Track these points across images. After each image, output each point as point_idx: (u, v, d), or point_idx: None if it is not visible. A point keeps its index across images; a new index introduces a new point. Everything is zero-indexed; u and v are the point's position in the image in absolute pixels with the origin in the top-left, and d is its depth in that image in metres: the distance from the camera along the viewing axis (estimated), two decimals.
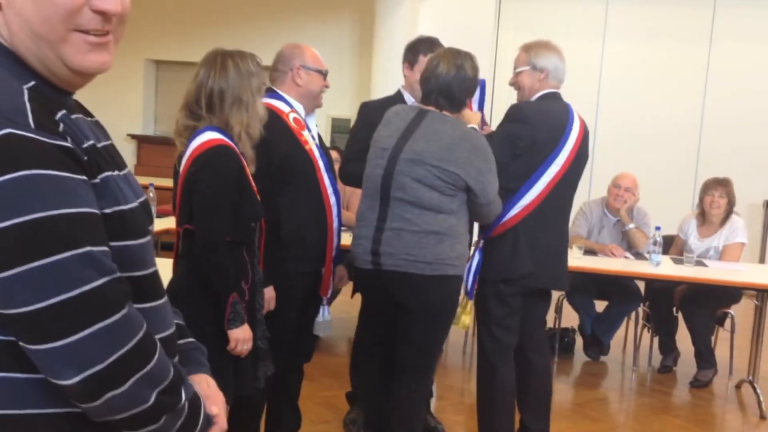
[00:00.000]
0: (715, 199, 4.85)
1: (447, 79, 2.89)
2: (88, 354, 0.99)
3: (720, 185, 4.87)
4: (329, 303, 3.19)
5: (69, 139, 1.01)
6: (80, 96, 1.19)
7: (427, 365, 3.06)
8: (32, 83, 1.04)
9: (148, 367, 1.05)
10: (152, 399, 1.05)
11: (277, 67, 3.03)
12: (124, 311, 1.02)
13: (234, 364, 2.53)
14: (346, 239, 3.34)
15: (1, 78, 1.00)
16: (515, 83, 3.33)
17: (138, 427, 1.08)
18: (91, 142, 1.06)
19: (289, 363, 3.05)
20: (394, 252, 2.85)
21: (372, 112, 3.34)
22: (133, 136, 8.76)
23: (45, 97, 1.03)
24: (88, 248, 0.99)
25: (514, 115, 3.16)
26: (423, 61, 3.30)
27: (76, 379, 0.98)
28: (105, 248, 1.02)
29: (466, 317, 3.23)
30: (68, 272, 0.97)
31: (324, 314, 3.13)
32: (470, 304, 3.23)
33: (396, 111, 3.02)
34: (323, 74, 3.06)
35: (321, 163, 3.00)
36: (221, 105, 2.53)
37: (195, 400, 1.17)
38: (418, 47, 3.47)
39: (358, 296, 3.32)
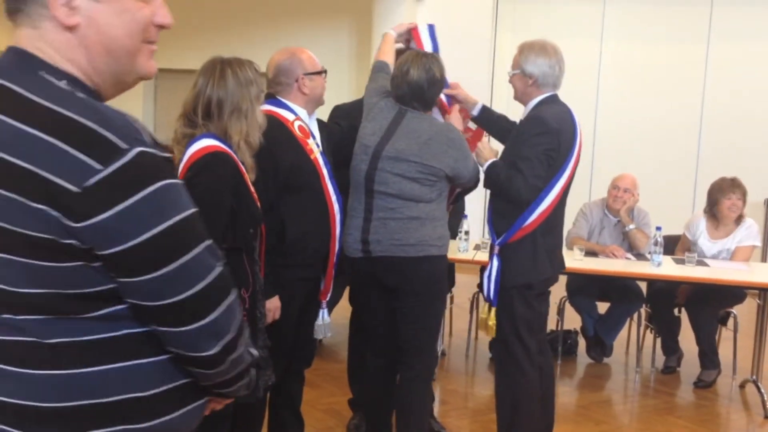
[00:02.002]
0: (734, 201, 4.79)
1: (420, 83, 3.08)
2: (223, 326, 1.18)
3: (737, 187, 4.81)
4: (330, 309, 3.20)
5: (166, 151, 1.15)
6: None
7: (428, 343, 3.22)
8: None
9: (246, 332, 1.27)
10: (248, 357, 1.28)
11: (280, 80, 3.02)
12: (234, 288, 1.22)
13: None
14: None
15: (106, 105, 1.11)
16: (511, 83, 3.37)
17: (234, 383, 1.28)
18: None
19: (289, 368, 3.04)
20: (382, 239, 3.05)
21: (344, 116, 3.49)
22: None
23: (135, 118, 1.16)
24: (209, 240, 1.17)
25: (540, 127, 3.14)
26: None
27: (216, 348, 1.17)
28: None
29: (491, 323, 3.26)
30: (203, 262, 1.14)
31: (323, 317, 3.16)
32: (494, 310, 3.25)
33: (380, 107, 3.17)
34: (320, 73, 3.07)
35: (325, 171, 3.02)
36: (220, 114, 2.52)
37: None
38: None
39: None
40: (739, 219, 4.87)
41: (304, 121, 3.02)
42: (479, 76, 7.33)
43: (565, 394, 4.54)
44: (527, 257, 3.21)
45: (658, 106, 7.80)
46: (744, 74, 7.64)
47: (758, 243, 4.88)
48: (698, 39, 7.73)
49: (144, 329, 1.15)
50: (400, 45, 3.51)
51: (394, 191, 3.05)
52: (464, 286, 5.57)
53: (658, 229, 4.63)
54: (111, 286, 1.10)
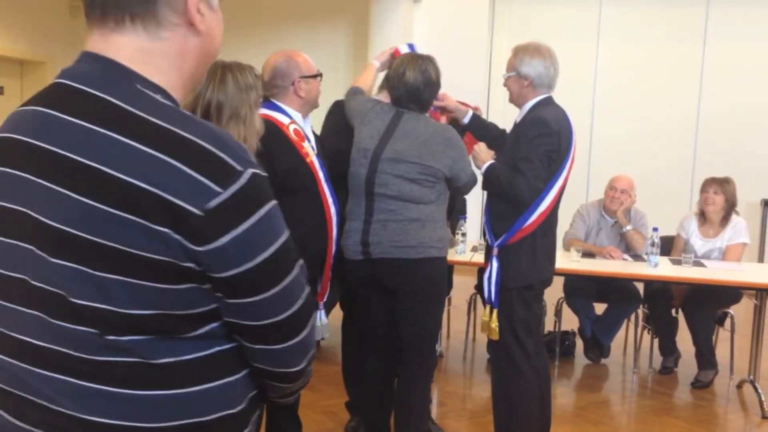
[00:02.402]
0: (710, 195, 4.86)
1: (416, 85, 3.12)
2: (311, 342, 1.21)
3: (715, 183, 4.88)
4: (327, 311, 3.20)
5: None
6: None
7: (427, 344, 3.24)
8: None
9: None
10: (311, 368, 1.29)
11: (276, 83, 3.02)
12: (315, 306, 1.23)
13: None
14: None
15: (213, 125, 1.11)
16: (506, 86, 3.38)
17: (296, 392, 1.31)
18: None
19: None
20: (382, 241, 3.07)
21: (340, 113, 3.46)
22: None
23: None
24: (301, 260, 1.18)
25: (541, 128, 3.15)
26: None
27: (304, 363, 1.21)
28: None
29: (494, 325, 3.26)
30: (300, 282, 1.16)
31: (321, 318, 3.17)
32: (496, 312, 3.25)
33: (376, 111, 3.20)
34: (316, 76, 3.09)
35: (321, 174, 3.02)
36: (218, 117, 2.53)
37: None
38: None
39: None
40: (726, 218, 4.89)
41: (299, 124, 3.03)
42: (476, 77, 7.34)
43: (563, 395, 4.55)
44: (527, 258, 3.22)
45: (654, 107, 7.82)
46: (740, 75, 7.66)
47: (748, 240, 4.91)
48: (695, 40, 7.75)
49: (231, 345, 1.15)
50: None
51: (394, 193, 3.07)
52: (461, 287, 5.58)
53: (655, 230, 4.64)
54: (214, 306, 1.10)
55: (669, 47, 7.80)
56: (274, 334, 1.14)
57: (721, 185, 4.86)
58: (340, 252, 3.18)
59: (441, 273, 3.18)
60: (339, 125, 3.40)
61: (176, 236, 1.01)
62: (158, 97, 1.08)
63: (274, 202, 1.10)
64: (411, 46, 3.58)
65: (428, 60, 3.17)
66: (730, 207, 4.89)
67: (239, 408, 1.16)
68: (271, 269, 1.09)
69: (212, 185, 1.01)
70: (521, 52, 3.29)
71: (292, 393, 1.29)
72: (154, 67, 1.11)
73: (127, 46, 1.10)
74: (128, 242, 1.01)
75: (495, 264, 3.22)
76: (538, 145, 3.13)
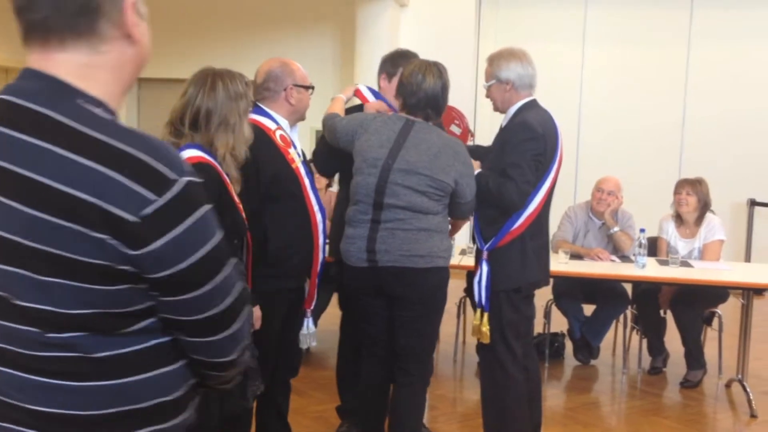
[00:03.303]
0: (683, 197, 4.91)
1: (436, 92, 3.08)
2: (244, 333, 1.29)
3: (687, 184, 4.94)
4: (316, 317, 3.20)
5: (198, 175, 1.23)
6: None
7: (426, 350, 3.27)
8: None
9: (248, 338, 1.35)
10: (248, 359, 1.39)
11: (268, 86, 3.02)
12: (249, 299, 1.32)
13: None
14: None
15: (152, 136, 1.17)
16: (488, 96, 3.38)
17: (231, 381, 1.37)
18: None
19: (274, 378, 3.04)
20: (390, 249, 3.03)
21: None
22: None
23: None
24: (234, 257, 1.27)
25: (527, 133, 3.16)
26: None
27: (237, 353, 1.29)
28: None
29: (485, 329, 3.26)
30: (232, 277, 1.24)
31: (308, 326, 3.16)
32: (486, 315, 3.25)
33: (383, 121, 3.14)
34: (307, 88, 3.09)
35: (307, 181, 3.02)
36: (207, 125, 2.52)
37: None
38: (399, 61, 3.51)
39: None
40: (701, 218, 4.93)
41: (286, 130, 3.02)
42: (463, 81, 7.34)
43: (553, 397, 4.56)
44: (516, 261, 3.23)
45: (640, 109, 7.86)
46: (725, 75, 7.71)
47: (723, 237, 4.95)
48: (679, 42, 7.80)
49: (168, 339, 1.24)
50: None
51: (403, 203, 3.03)
52: (451, 291, 5.56)
53: (642, 231, 4.66)
54: (150, 303, 1.19)
55: (654, 49, 7.84)
56: (208, 327, 1.23)
57: (694, 186, 4.91)
58: (330, 259, 3.19)
59: (445, 283, 3.20)
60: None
61: (113, 241, 1.10)
62: (98, 111, 1.15)
63: (207, 207, 1.18)
64: (370, 88, 3.64)
65: (440, 65, 3.15)
66: (703, 207, 4.93)
67: (175, 395, 1.26)
68: (203, 269, 1.18)
69: (147, 194, 1.10)
70: (496, 58, 3.30)
71: (227, 381, 1.37)
72: (95, 81, 1.18)
73: (68, 63, 1.16)
74: (69, 248, 1.11)
75: (485, 267, 3.23)
76: (525, 150, 3.14)
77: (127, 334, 1.19)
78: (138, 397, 1.22)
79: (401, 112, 3.15)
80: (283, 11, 8.29)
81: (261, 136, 2.88)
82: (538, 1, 8.00)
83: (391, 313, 3.16)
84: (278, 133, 2.98)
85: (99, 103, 1.17)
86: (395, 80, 3.42)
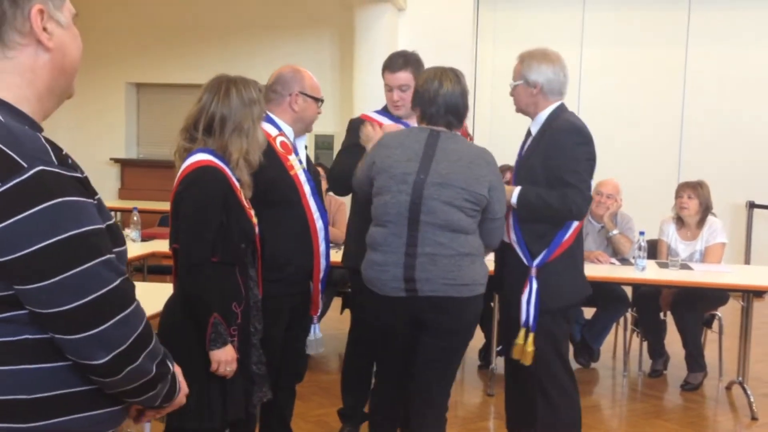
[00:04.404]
0: (684, 200, 4.92)
1: (455, 98, 2.87)
2: (115, 338, 1.24)
3: (689, 187, 4.94)
4: (318, 320, 3.19)
5: (78, 170, 1.25)
6: (64, 121, 1.30)
7: (444, 390, 3.04)
8: (39, 130, 1.27)
9: (152, 345, 1.31)
10: (154, 370, 1.32)
11: (275, 89, 3.03)
12: (135, 302, 1.29)
13: (222, 387, 2.52)
14: (335, 256, 3.36)
15: (19, 126, 1.21)
16: (512, 95, 3.20)
17: (141, 394, 1.34)
18: (85, 174, 1.30)
19: (278, 383, 3.03)
20: (432, 277, 2.79)
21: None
22: (116, 160, 8.72)
23: (49, 139, 1.24)
24: (108, 255, 1.24)
25: (578, 136, 3.02)
26: (386, 78, 3.46)
27: (107, 358, 1.24)
28: (114, 255, 1.27)
29: (530, 349, 3.05)
30: (98, 275, 1.22)
31: (315, 332, 3.15)
32: (532, 335, 3.05)
33: (405, 134, 2.95)
34: (317, 100, 3.07)
35: (307, 188, 3.00)
36: (221, 130, 2.55)
37: (174, 370, 1.45)
38: (384, 67, 3.51)
39: (347, 313, 3.29)
40: (702, 221, 4.94)
41: (288, 137, 3.02)
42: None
43: None
44: (569, 275, 3.09)
45: (639, 111, 7.87)
46: (723, 77, 7.73)
47: (725, 239, 4.96)
48: (677, 43, 7.81)
49: (44, 335, 1.23)
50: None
51: (441, 222, 2.79)
52: None
53: (642, 233, 4.67)
54: (10, 292, 1.20)
55: (652, 51, 7.86)
56: (64, 323, 1.21)
57: (695, 189, 4.92)
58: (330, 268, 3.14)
59: (480, 310, 2.98)
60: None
61: None
62: None
63: (66, 199, 1.18)
64: (378, 112, 3.55)
65: (456, 70, 2.95)
66: (705, 210, 4.94)
67: (36, 395, 1.24)
68: (51, 258, 1.17)
69: None
70: (528, 58, 3.12)
71: (126, 394, 1.32)
72: (1, 83, 1.24)
73: None
74: None
75: (534, 285, 3.03)
76: (579, 155, 2.99)
77: None
78: None
79: (421, 123, 2.93)
80: (281, 16, 8.30)
81: None
82: (536, 3, 8.01)
83: (418, 343, 2.91)
84: (279, 139, 2.98)
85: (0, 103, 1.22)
86: (385, 86, 3.47)
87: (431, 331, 2.88)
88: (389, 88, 3.50)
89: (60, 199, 1.18)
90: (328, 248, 3.10)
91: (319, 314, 3.21)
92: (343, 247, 3.75)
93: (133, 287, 1.31)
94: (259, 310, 2.71)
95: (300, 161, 3.04)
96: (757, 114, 7.68)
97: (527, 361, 3.07)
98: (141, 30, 8.52)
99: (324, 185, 3.95)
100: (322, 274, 3.09)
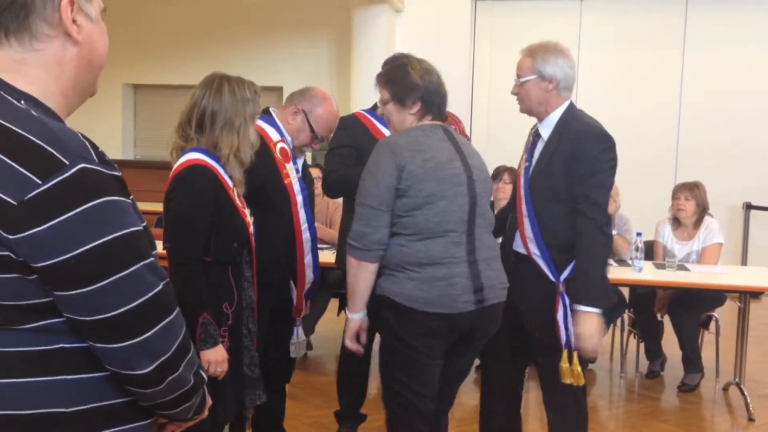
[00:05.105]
0: (681, 202, 4.93)
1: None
2: (159, 345, 1.18)
3: (686, 189, 4.96)
4: (313, 324, 3.19)
5: (116, 168, 1.19)
6: None
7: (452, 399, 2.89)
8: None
9: (191, 354, 1.25)
10: (192, 380, 1.26)
11: (292, 97, 3.05)
12: (177, 308, 1.22)
13: (212, 389, 2.51)
14: (329, 256, 3.34)
15: (55, 122, 1.14)
16: (519, 93, 2.90)
17: (177, 406, 1.27)
18: (121, 172, 1.24)
19: (267, 385, 3.02)
20: (494, 284, 2.58)
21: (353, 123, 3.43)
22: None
23: (86, 136, 1.18)
24: (150, 259, 1.18)
25: (605, 142, 2.80)
26: None
27: (151, 368, 1.17)
28: (154, 257, 1.21)
29: (578, 369, 2.79)
30: (142, 279, 1.15)
31: (298, 335, 3.15)
32: (576, 354, 2.77)
33: (421, 133, 2.56)
34: (316, 136, 3.03)
35: (299, 198, 2.99)
36: (212, 126, 2.54)
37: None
38: None
39: (343, 315, 3.28)
40: (699, 222, 4.95)
41: (289, 145, 3.02)
42: (459, 86, 7.37)
43: None
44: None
45: (635, 113, 7.87)
46: (719, 79, 7.73)
47: (721, 240, 4.97)
48: (673, 45, 7.82)
49: (80, 344, 1.16)
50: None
51: (487, 222, 2.62)
52: None
53: (639, 234, 4.68)
54: (48, 299, 1.12)
55: (649, 54, 7.87)
56: (109, 331, 1.14)
57: (692, 191, 4.93)
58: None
59: None
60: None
61: None
62: (20, 102, 1.15)
63: (108, 198, 1.12)
64: (368, 111, 3.52)
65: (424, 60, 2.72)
66: (701, 211, 4.96)
67: (74, 408, 1.17)
68: (95, 262, 1.10)
69: (32, 177, 1.07)
70: (541, 50, 2.84)
71: (162, 406, 1.25)
72: (26, 76, 1.18)
73: (1, 58, 1.18)
74: None
75: (567, 302, 2.75)
76: (605, 163, 2.77)
77: (27, 331, 1.14)
78: (24, 403, 1.14)
79: (424, 118, 2.61)
80: (279, 17, 8.30)
81: (261, 144, 2.88)
82: (533, 5, 8.02)
83: (454, 355, 2.64)
84: (279, 145, 2.96)
85: (24, 96, 1.16)
86: None
87: (476, 342, 2.66)
88: None
89: (103, 199, 1.11)
90: (316, 261, 3.06)
91: (313, 315, 3.21)
92: (337, 248, 3.74)
93: (173, 292, 1.23)
94: (253, 311, 2.69)
95: (297, 170, 3.02)
96: (753, 116, 7.69)
97: (580, 381, 2.80)
98: (138, 31, 8.52)
99: (318, 188, 3.92)
100: (307, 287, 3.07)
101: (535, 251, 2.83)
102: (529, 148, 2.94)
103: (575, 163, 2.76)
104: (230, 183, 2.56)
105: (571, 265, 2.76)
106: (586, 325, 2.71)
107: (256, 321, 2.71)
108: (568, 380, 2.81)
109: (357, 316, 2.59)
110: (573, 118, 2.85)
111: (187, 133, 2.56)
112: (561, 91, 2.85)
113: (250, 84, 2.63)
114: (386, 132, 3.37)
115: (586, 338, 2.71)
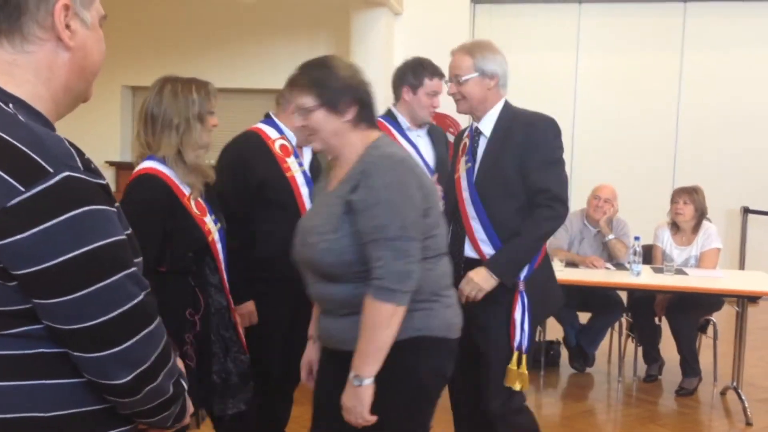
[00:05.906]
0: (680, 206, 4.94)
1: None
2: (138, 355, 1.17)
3: (685, 193, 4.96)
4: None
5: (101, 176, 1.17)
6: (58, 124, 1.26)
7: None
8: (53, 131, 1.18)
9: (170, 363, 1.24)
10: (171, 389, 1.26)
11: (284, 94, 3.05)
12: (158, 318, 1.22)
13: None
14: None
15: (42, 128, 1.13)
16: (457, 93, 2.86)
17: (156, 414, 1.26)
18: (106, 180, 1.21)
19: (276, 387, 3.01)
20: None
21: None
22: (111, 163, 8.71)
23: (72, 143, 1.17)
24: (132, 268, 1.17)
25: (558, 129, 2.81)
26: (429, 84, 3.39)
27: (129, 378, 1.16)
28: (136, 267, 1.20)
29: (526, 372, 2.80)
30: (121, 290, 1.14)
31: None
32: (525, 358, 2.79)
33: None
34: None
35: (304, 190, 3.00)
36: (153, 127, 2.50)
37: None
38: (420, 71, 3.44)
39: None
40: (697, 226, 4.95)
41: (290, 141, 3.04)
42: None
43: (549, 405, 4.55)
44: (552, 282, 2.95)
45: (634, 116, 7.88)
46: (718, 82, 7.74)
47: (720, 245, 4.98)
48: (672, 48, 7.83)
49: (60, 350, 1.15)
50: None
51: None
52: None
53: (637, 238, 4.68)
54: (28, 305, 1.12)
55: (647, 57, 7.87)
56: (88, 340, 1.13)
57: (690, 195, 4.93)
58: None
59: None
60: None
61: None
62: (8, 106, 1.13)
63: (91, 207, 1.11)
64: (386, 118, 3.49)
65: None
66: (700, 215, 4.96)
67: (52, 414, 1.16)
68: (76, 271, 1.09)
69: (15, 184, 1.06)
70: (479, 48, 2.84)
71: (141, 414, 1.24)
72: (15, 78, 1.17)
73: None
74: None
75: (525, 301, 2.76)
76: (559, 150, 2.80)
77: (6, 336, 1.13)
78: (1, 407, 1.14)
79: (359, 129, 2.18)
80: (277, 19, 8.30)
81: (258, 143, 2.92)
82: (532, 9, 8.02)
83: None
84: (278, 142, 2.99)
85: (12, 98, 1.15)
86: (422, 91, 3.42)
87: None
88: (434, 93, 3.45)
89: (86, 208, 1.10)
90: None
91: None
92: None
93: (155, 302, 1.23)
94: (224, 316, 2.65)
95: (300, 163, 3.04)
96: (752, 120, 7.69)
97: (525, 385, 2.80)
98: (137, 33, 8.51)
99: None
100: None
101: (489, 252, 2.79)
102: (469, 150, 2.89)
103: (529, 152, 2.74)
104: (186, 190, 2.49)
105: (531, 262, 2.78)
106: (479, 277, 2.72)
107: (234, 326, 2.67)
108: (515, 383, 2.78)
109: (372, 380, 2.02)
110: (514, 111, 2.86)
111: (146, 140, 2.53)
112: (500, 88, 2.85)
113: (202, 84, 2.56)
114: (404, 142, 3.35)
115: (472, 285, 2.72)
